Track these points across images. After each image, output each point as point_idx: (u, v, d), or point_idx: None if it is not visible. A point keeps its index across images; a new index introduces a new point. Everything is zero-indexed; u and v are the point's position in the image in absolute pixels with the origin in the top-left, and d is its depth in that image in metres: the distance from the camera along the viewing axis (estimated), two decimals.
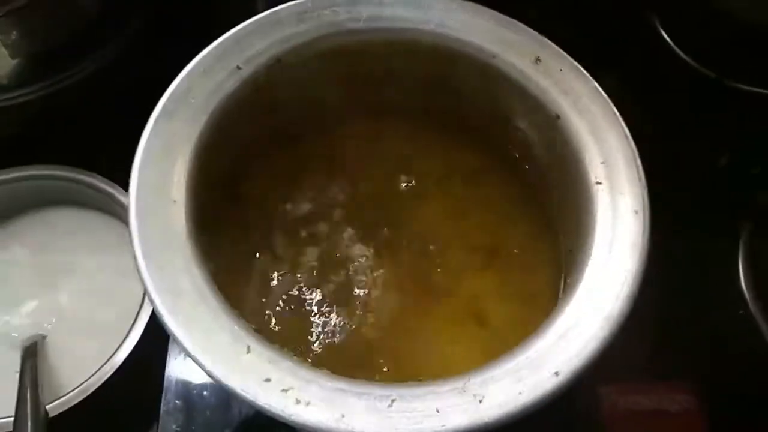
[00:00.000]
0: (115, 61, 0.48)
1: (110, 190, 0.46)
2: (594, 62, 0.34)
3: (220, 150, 0.32)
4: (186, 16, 0.53)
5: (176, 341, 0.26)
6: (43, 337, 0.44)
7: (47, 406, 0.40)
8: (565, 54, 0.34)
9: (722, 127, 0.52)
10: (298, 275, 0.34)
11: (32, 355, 0.42)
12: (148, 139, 0.30)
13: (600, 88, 0.33)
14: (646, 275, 0.29)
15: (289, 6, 0.34)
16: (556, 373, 0.26)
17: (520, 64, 0.33)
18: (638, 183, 0.30)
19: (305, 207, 0.36)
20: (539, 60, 0.33)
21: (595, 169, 0.31)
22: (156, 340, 0.43)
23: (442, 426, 0.25)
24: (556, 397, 0.26)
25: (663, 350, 0.45)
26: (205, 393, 0.42)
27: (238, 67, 0.32)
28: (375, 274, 0.35)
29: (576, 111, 0.32)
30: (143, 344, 0.42)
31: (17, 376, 0.41)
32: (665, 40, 0.54)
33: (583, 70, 0.33)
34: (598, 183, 0.31)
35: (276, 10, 0.34)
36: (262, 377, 0.26)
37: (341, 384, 0.26)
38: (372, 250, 0.35)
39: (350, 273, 0.35)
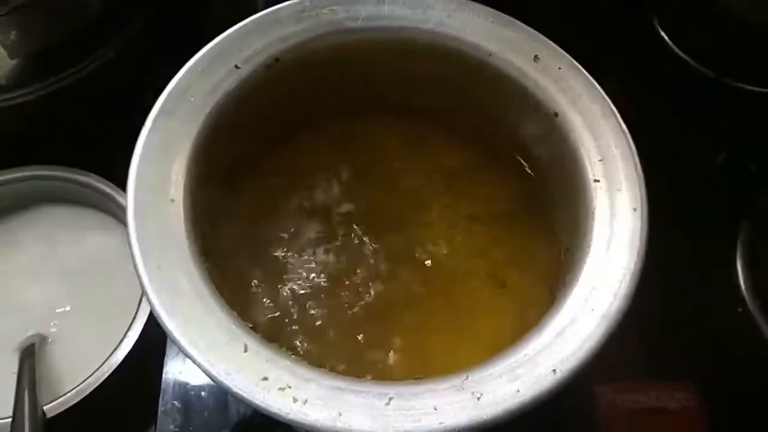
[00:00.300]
0: (114, 61, 0.47)
1: (108, 190, 0.46)
2: (593, 61, 0.34)
3: (219, 149, 0.32)
4: (185, 15, 0.53)
5: (174, 340, 0.26)
6: (42, 338, 0.44)
7: (45, 407, 0.40)
8: (563, 52, 0.34)
9: (721, 125, 0.52)
10: (298, 274, 0.34)
11: (30, 355, 0.42)
12: (147, 138, 0.30)
13: (598, 86, 0.33)
14: (645, 274, 0.29)
15: (287, 5, 0.34)
16: (554, 371, 0.26)
17: (518, 62, 0.33)
18: (636, 180, 0.30)
19: (305, 206, 0.36)
20: (538, 58, 0.33)
21: (594, 166, 0.31)
22: (154, 340, 0.43)
23: (440, 424, 0.25)
24: (553, 394, 0.26)
25: (661, 349, 0.45)
26: (202, 394, 0.42)
27: (237, 66, 0.32)
28: (376, 272, 0.34)
29: (574, 109, 0.32)
30: (141, 345, 0.42)
31: (15, 376, 0.41)
32: (664, 39, 0.54)
33: (582, 69, 0.33)
34: (596, 181, 0.31)
35: (274, 10, 0.34)
36: (259, 376, 0.25)
37: (339, 382, 0.26)
38: (373, 248, 0.35)
39: (351, 271, 0.34)
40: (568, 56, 0.34)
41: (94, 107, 0.49)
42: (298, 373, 0.26)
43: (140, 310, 0.43)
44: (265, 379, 0.25)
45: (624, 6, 0.56)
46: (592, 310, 0.27)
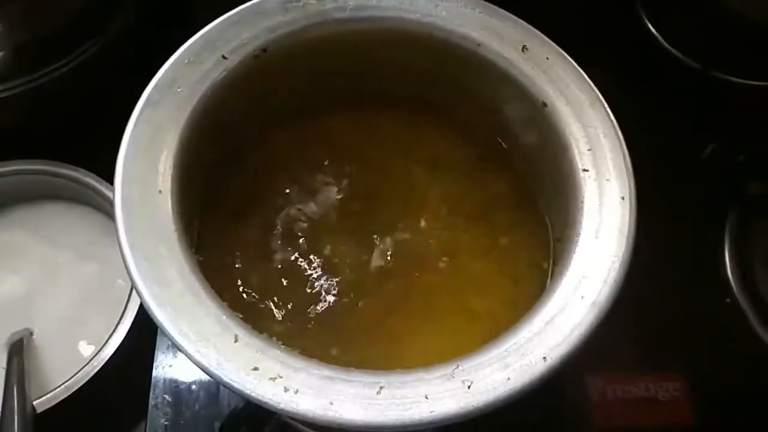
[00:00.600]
0: (101, 54, 0.47)
1: (95, 183, 0.46)
2: (580, 53, 0.34)
3: (207, 140, 0.32)
4: (173, 7, 0.53)
5: (164, 331, 0.26)
6: (30, 333, 0.44)
7: (34, 402, 0.40)
8: (551, 42, 0.34)
9: (708, 117, 0.53)
10: (288, 264, 0.34)
11: (18, 351, 0.42)
12: (134, 129, 0.29)
13: (586, 76, 0.33)
14: (633, 265, 0.29)
15: None
16: (544, 358, 0.26)
17: (507, 52, 0.33)
18: (624, 169, 0.31)
19: (295, 197, 0.36)
20: (526, 48, 0.33)
21: (582, 156, 0.31)
22: (143, 334, 0.43)
23: (431, 412, 0.25)
24: (544, 381, 0.26)
25: (651, 339, 0.45)
26: (193, 387, 0.42)
27: (224, 57, 0.32)
28: (367, 262, 0.34)
29: (563, 99, 0.32)
30: (130, 339, 0.42)
31: (3, 372, 0.41)
32: (652, 32, 0.54)
33: (570, 59, 0.33)
34: (585, 170, 0.31)
35: (262, 0, 0.33)
36: (250, 366, 0.25)
37: (330, 372, 0.26)
38: (365, 239, 0.35)
39: (342, 262, 0.34)
40: (556, 46, 0.34)
41: (80, 100, 0.49)
42: (289, 362, 0.26)
43: (129, 305, 0.43)
44: (256, 369, 0.25)
45: None
46: (582, 297, 0.28)
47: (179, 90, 0.31)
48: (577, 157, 0.31)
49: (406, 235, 0.35)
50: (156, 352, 0.43)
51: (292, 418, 0.39)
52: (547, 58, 0.33)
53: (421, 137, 0.38)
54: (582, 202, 0.30)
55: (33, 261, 0.47)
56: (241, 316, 0.28)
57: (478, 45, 0.34)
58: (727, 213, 0.47)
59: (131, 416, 0.43)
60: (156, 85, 0.31)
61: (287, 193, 0.36)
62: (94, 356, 0.41)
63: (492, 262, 0.35)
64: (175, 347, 0.26)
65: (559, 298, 0.28)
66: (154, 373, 0.42)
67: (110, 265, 0.46)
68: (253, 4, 0.33)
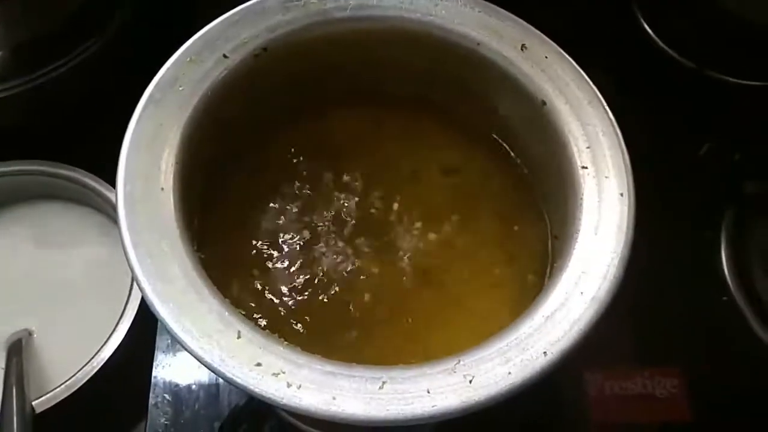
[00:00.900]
0: (100, 54, 0.47)
1: (93, 183, 0.46)
2: (577, 54, 0.34)
3: (209, 138, 0.32)
4: (173, 6, 0.53)
5: (167, 327, 0.26)
6: (29, 333, 0.44)
7: (34, 402, 0.40)
8: (550, 41, 0.34)
9: (704, 117, 0.53)
10: (289, 261, 0.34)
11: (17, 351, 0.42)
12: (136, 126, 0.30)
13: (585, 75, 0.33)
14: (631, 263, 0.29)
15: None
16: (545, 353, 0.26)
17: (506, 51, 0.34)
18: (623, 167, 0.31)
19: (296, 194, 0.36)
20: (525, 47, 0.34)
21: (581, 154, 0.31)
22: (143, 334, 0.43)
23: (433, 407, 0.25)
24: (544, 376, 0.26)
25: (649, 336, 0.45)
26: (193, 387, 0.42)
27: (225, 56, 0.32)
28: (368, 260, 0.35)
29: (562, 97, 0.33)
30: (130, 338, 0.42)
31: (2, 372, 0.41)
32: (647, 32, 0.54)
33: (569, 57, 0.33)
34: (584, 167, 0.31)
35: None
36: (253, 362, 0.25)
37: (332, 367, 0.26)
38: (365, 238, 0.35)
39: (342, 261, 0.34)
40: (555, 45, 0.34)
41: (79, 100, 0.49)
42: (291, 358, 0.26)
43: (129, 305, 0.43)
44: (259, 365, 0.25)
45: None
46: (582, 293, 0.28)
47: (181, 88, 0.31)
48: (576, 155, 0.31)
49: (406, 233, 0.35)
50: (156, 351, 0.43)
51: (293, 416, 0.39)
52: (546, 57, 0.34)
53: (422, 136, 0.38)
54: (581, 199, 0.30)
55: (31, 261, 0.47)
56: (243, 312, 0.28)
57: (478, 44, 0.34)
58: (724, 212, 0.48)
59: (131, 416, 0.43)
60: (158, 84, 0.31)
61: (287, 192, 0.36)
62: (93, 356, 0.41)
63: (492, 259, 0.35)
64: (178, 344, 0.26)
65: (559, 294, 0.28)
66: (154, 373, 0.42)
67: (109, 265, 0.46)
68: (253, 4, 0.33)
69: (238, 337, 0.26)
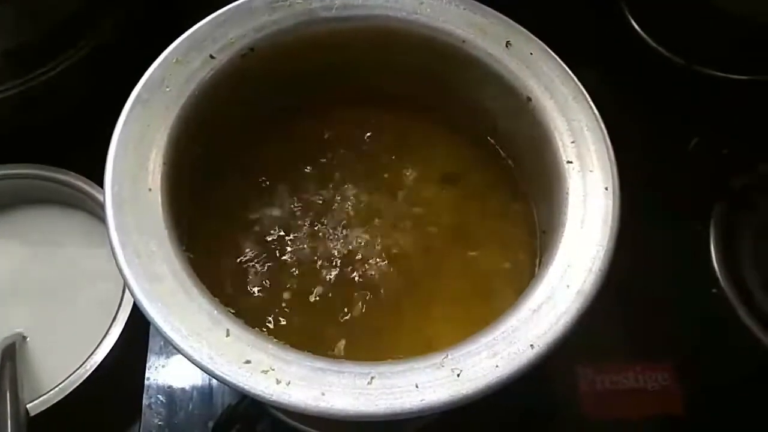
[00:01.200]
0: (93, 57, 0.47)
1: (86, 187, 0.46)
2: (565, 51, 0.34)
3: (196, 138, 0.32)
4: (161, 10, 0.53)
5: (156, 327, 0.26)
6: (23, 337, 0.44)
7: (28, 405, 0.40)
8: (535, 38, 0.34)
9: (692, 111, 0.54)
10: (278, 260, 0.34)
11: (11, 355, 0.42)
12: (123, 127, 0.30)
13: (569, 70, 0.33)
14: (621, 258, 0.29)
15: None
16: (532, 346, 0.26)
17: (491, 48, 0.34)
18: (608, 160, 0.31)
19: (284, 195, 0.36)
20: (510, 44, 0.34)
21: (566, 149, 0.32)
22: (136, 336, 0.43)
23: (422, 401, 0.25)
24: (532, 369, 0.26)
25: (639, 330, 0.45)
26: (186, 387, 0.42)
27: (212, 56, 0.32)
28: (361, 258, 0.35)
29: (547, 93, 0.33)
30: (123, 341, 0.42)
31: None
32: (635, 28, 0.55)
33: (553, 53, 0.34)
34: (569, 162, 0.31)
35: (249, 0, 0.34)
36: (242, 360, 0.26)
37: (321, 363, 0.26)
38: (358, 235, 0.35)
39: (334, 259, 0.35)
40: (540, 41, 0.34)
41: (71, 104, 0.49)
42: (280, 355, 0.26)
43: (122, 307, 0.43)
44: (248, 362, 0.26)
45: None
46: (568, 286, 0.28)
47: (168, 89, 0.31)
48: (561, 150, 0.32)
49: (399, 230, 0.36)
50: (149, 353, 0.43)
51: (285, 414, 0.39)
52: (531, 54, 0.34)
53: (410, 134, 0.39)
54: (567, 193, 0.31)
55: (24, 265, 0.47)
56: (232, 311, 0.28)
57: (463, 42, 0.34)
58: (713, 205, 0.48)
59: (125, 417, 0.43)
60: (145, 84, 0.31)
61: (276, 192, 0.36)
62: (87, 359, 0.41)
63: (482, 255, 0.36)
64: (168, 342, 0.26)
65: (545, 288, 0.28)
66: (147, 374, 0.42)
67: (102, 269, 0.46)
68: (240, 4, 0.33)
69: (227, 335, 0.26)
